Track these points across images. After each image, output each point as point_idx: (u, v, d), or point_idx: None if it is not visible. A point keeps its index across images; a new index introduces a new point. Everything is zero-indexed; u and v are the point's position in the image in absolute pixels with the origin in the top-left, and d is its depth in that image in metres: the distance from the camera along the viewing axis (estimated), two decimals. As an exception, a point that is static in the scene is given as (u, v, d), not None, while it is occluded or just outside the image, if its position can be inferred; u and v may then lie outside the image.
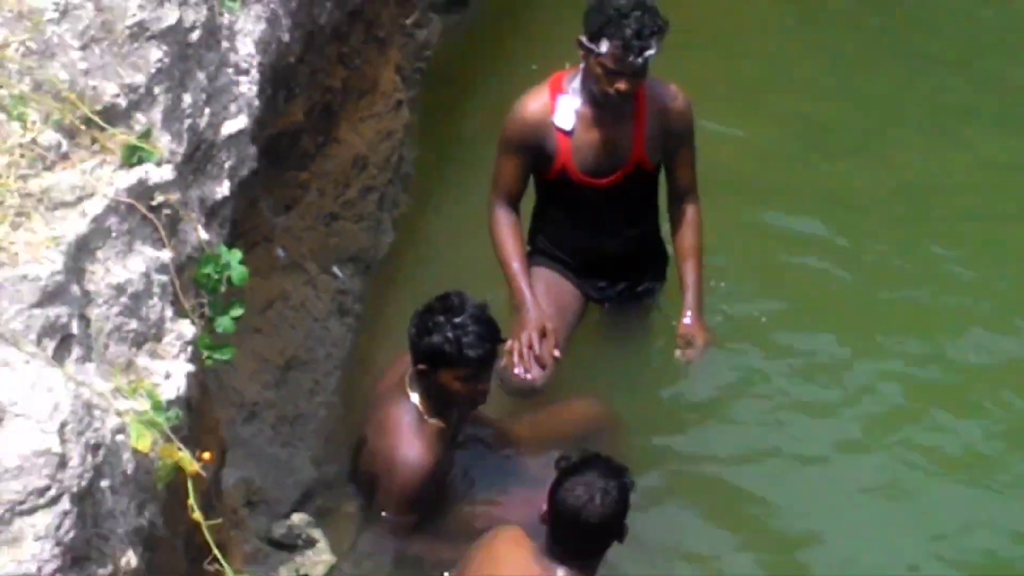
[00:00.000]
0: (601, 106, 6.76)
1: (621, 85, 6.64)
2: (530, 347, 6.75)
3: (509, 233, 6.93)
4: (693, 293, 7.09)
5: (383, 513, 6.37)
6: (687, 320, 7.06)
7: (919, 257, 8.06)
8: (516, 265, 6.91)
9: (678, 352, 7.07)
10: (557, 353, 6.77)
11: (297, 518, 6.28)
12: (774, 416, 7.24)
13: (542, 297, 6.95)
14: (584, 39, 6.64)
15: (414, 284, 7.28)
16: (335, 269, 7.22)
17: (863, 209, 8.33)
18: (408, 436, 6.30)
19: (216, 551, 4.62)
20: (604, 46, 6.58)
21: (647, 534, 6.51)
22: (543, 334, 6.76)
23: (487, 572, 5.97)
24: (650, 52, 6.58)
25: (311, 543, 6.21)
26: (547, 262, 7.10)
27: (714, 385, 7.29)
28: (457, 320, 6.20)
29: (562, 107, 6.81)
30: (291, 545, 6.18)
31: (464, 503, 6.54)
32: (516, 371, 6.83)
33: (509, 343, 6.74)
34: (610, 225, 7.05)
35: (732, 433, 7.18)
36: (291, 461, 6.56)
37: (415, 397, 6.34)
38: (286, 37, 6.12)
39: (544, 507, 5.87)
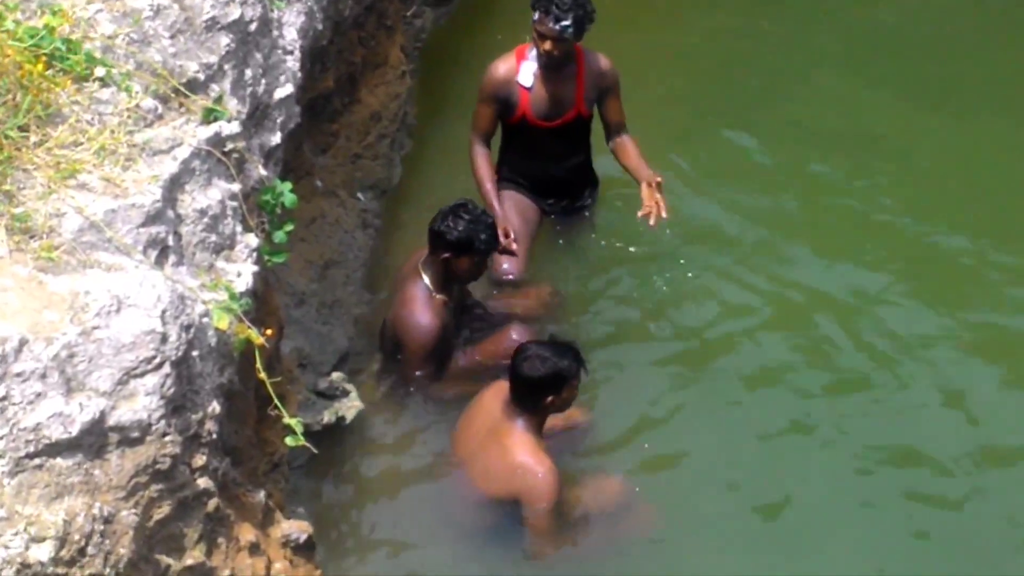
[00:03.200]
0: (549, 68, 6.77)
1: (547, 46, 6.67)
2: (506, 236, 6.72)
3: (483, 163, 6.94)
4: (642, 167, 6.89)
5: (410, 369, 6.37)
6: (647, 178, 6.82)
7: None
8: (488, 185, 6.92)
9: (649, 217, 6.75)
10: (514, 246, 6.74)
11: (335, 375, 6.27)
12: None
13: (509, 210, 6.95)
14: (534, 20, 6.67)
15: (417, 204, 7.26)
16: (359, 194, 7.18)
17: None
18: (421, 306, 6.31)
19: (276, 400, 4.64)
20: (536, 16, 6.63)
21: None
22: (506, 234, 6.75)
23: (472, 410, 6.01)
24: (565, 22, 6.58)
25: (346, 393, 6.20)
26: (511, 186, 7.08)
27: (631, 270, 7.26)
28: (479, 221, 6.26)
29: (524, 69, 6.82)
30: (331, 395, 6.18)
31: (462, 352, 6.55)
32: (498, 266, 6.85)
33: None
34: (556, 157, 7.04)
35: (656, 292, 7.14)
36: (330, 334, 6.55)
37: (426, 279, 6.34)
38: (320, 26, 6.07)
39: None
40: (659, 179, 6.81)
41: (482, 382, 6.18)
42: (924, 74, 8.49)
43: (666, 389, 6.63)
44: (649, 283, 7.13)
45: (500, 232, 6.66)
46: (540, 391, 5.80)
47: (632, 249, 7.18)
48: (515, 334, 6.42)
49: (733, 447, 6.40)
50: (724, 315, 7.00)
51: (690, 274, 7.15)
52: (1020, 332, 7.02)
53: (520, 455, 5.75)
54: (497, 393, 5.93)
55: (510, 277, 6.88)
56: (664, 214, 6.74)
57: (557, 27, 6.61)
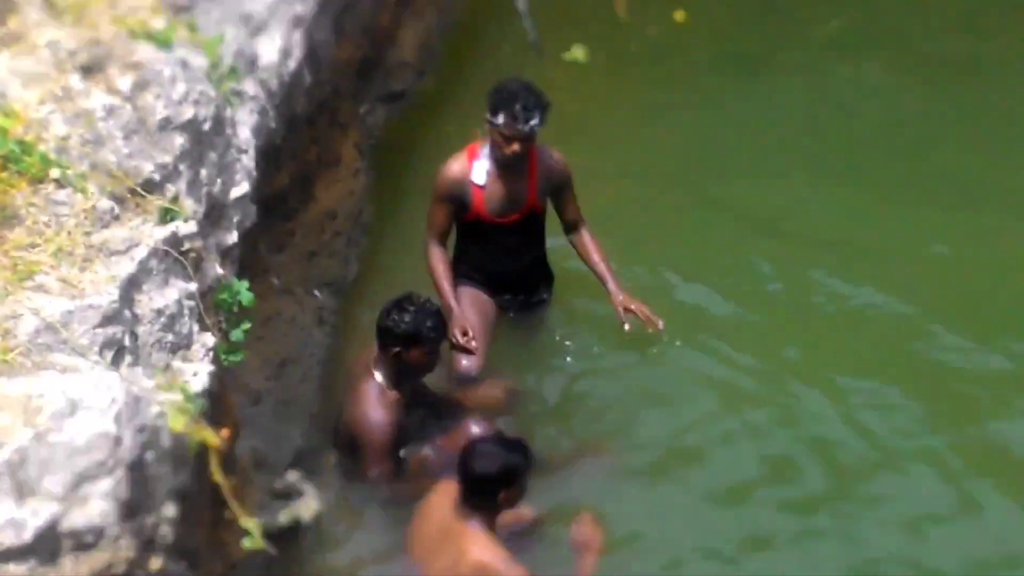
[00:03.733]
0: (503, 166, 6.78)
1: (515, 147, 6.65)
2: (464, 335, 6.73)
3: (439, 263, 6.92)
4: (612, 279, 6.99)
5: (367, 468, 6.30)
6: (620, 297, 6.93)
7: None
8: (446, 286, 6.90)
9: (625, 325, 6.89)
10: (473, 345, 6.75)
11: (291, 475, 6.23)
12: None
13: (467, 307, 6.93)
14: (488, 115, 6.66)
15: (373, 300, 7.20)
16: (315, 292, 7.17)
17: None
18: (374, 404, 6.26)
19: (232, 502, 4.59)
20: (500, 118, 6.60)
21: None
22: (464, 332, 6.76)
23: (423, 512, 5.94)
24: (534, 122, 6.61)
25: (302, 493, 6.16)
26: (467, 282, 7.06)
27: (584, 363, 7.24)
28: (423, 310, 6.22)
29: (476, 168, 6.82)
30: (288, 496, 6.13)
31: (419, 451, 6.51)
32: (458, 364, 6.82)
33: (449, 334, 6.68)
34: (512, 252, 7.04)
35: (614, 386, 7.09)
36: (287, 433, 6.50)
37: (379, 376, 6.31)
38: (273, 124, 6.09)
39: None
40: (632, 306, 6.90)
41: (442, 478, 6.14)
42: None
43: (629, 492, 6.60)
44: (608, 378, 7.13)
45: (458, 331, 6.66)
46: (493, 488, 5.75)
47: (594, 348, 7.19)
48: (474, 427, 6.39)
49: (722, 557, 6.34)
50: (691, 415, 6.96)
51: (654, 370, 7.17)
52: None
53: (481, 555, 5.69)
54: (445, 494, 5.89)
55: (471, 374, 6.86)
56: (660, 325, 6.89)
57: (527, 128, 6.60)
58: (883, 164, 8.48)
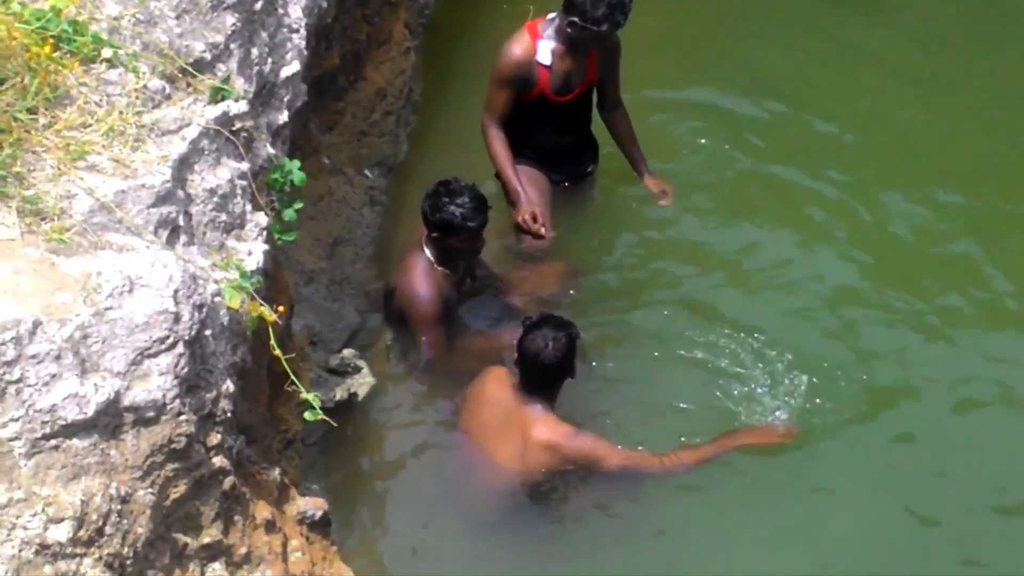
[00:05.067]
0: (573, 47, 6.73)
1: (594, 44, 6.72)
2: (533, 220, 6.77)
3: (501, 146, 6.89)
4: (644, 163, 7.21)
5: (417, 336, 6.38)
6: (651, 181, 7.20)
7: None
8: (510, 171, 6.88)
9: (662, 201, 7.22)
10: (544, 231, 6.80)
11: (347, 352, 6.28)
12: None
13: (529, 189, 6.94)
14: (578, 20, 6.57)
15: (423, 180, 7.20)
16: (366, 171, 7.18)
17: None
18: (421, 277, 6.31)
19: (292, 376, 4.64)
20: (605, 26, 6.57)
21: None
22: (534, 218, 6.79)
23: (479, 402, 6.01)
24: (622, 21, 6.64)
25: (357, 369, 6.21)
26: (523, 161, 7.05)
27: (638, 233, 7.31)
28: (458, 200, 6.20)
29: (541, 48, 6.76)
30: (343, 372, 6.18)
31: (471, 330, 6.56)
32: (529, 242, 6.88)
33: (519, 219, 6.80)
34: (566, 127, 7.04)
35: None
36: (340, 311, 6.55)
37: (428, 251, 6.34)
38: (324, 3, 6.05)
39: (516, 354, 5.90)
40: (666, 187, 7.17)
41: (489, 357, 6.22)
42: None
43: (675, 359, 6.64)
44: (652, 244, 7.20)
45: (528, 215, 6.73)
46: (560, 375, 5.87)
47: (636, 216, 7.27)
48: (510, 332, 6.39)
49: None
50: (730, 273, 7.07)
51: (692, 238, 7.23)
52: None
53: (549, 434, 5.84)
54: (497, 380, 5.96)
55: (538, 254, 6.91)
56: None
57: (614, 28, 6.62)
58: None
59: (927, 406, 6.52)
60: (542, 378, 5.86)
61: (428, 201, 6.22)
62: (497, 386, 5.96)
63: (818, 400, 6.35)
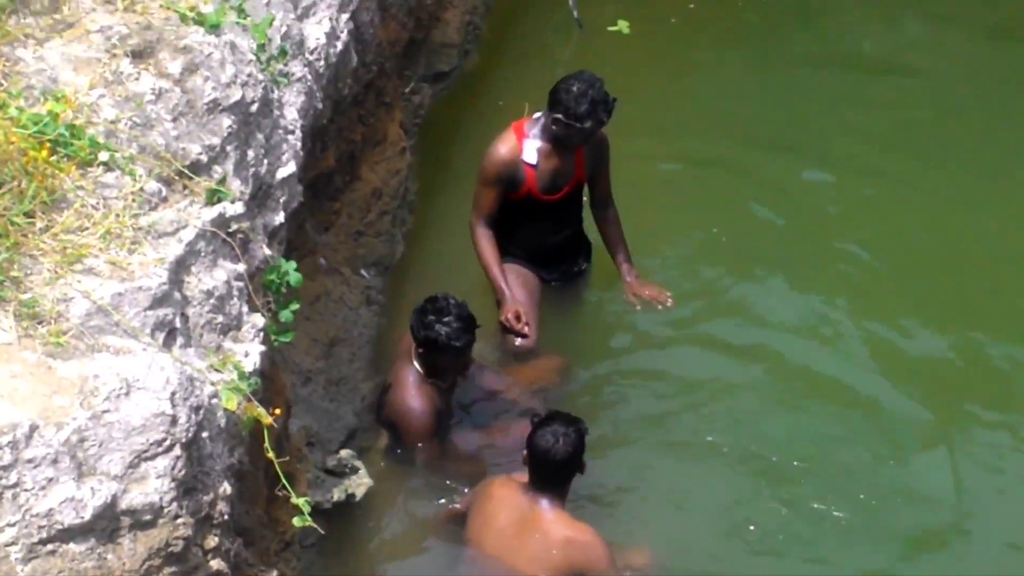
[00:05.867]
0: (559, 145, 6.78)
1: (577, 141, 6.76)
2: (516, 319, 6.78)
3: (489, 246, 6.92)
4: (628, 264, 7.17)
5: (410, 450, 6.37)
6: (631, 280, 7.15)
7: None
8: (496, 269, 6.91)
9: (636, 305, 7.16)
10: (527, 330, 6.80)
11: (344, 453, 6.25)
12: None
13: (515, 288, 6.95)
14: (560, 115, 6.65)
15: (420, 279, 7.27)
16: (362, 271, 7.19)
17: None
18: (411, 392, 6.30)
19: (284, 480, 4.61)
20: (588, 123, 6.63)
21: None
22: (518, 317, 6.79)
23: (488, 509, 5.97)
24: (605, 120, 6.71)
25: (355, 470, 6.18)
26: (512, 260, 7.07)
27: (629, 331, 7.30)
28: (445, 318, 6.19)
29: (527, 147, 6.82)
30: (340, 473, 6.15)
31: (467, 432, 6.54)
32: (511, 343, 6.87)
33: (502, 318, 6.82)
34: (555, 226, 7.07)
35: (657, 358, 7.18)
36: (337, 411, 6.53)
37: (417, 364, 6.33)
38: (319, 105, 6.10)
39: (524, 452, 5.88)
40: (645, 293, 7.14)
41: (485, 459, 6.19)
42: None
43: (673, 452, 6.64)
44: (647, 340, 7.16)
45: (511, 315, 6.74)
46: (571, 470, 5.87)
47: (630, 312, 7.23)
48: (517, 423, 6.39)
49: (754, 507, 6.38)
50: (722, 380, 7.02)
51: (687, 332, 7.20)
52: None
53: (566, 531, 5.82)
54: (504, 487, 5.94)
55: (526, 346, 6.89)
56: (669, 303, 7.10)
57: (598, 126, 6.69)
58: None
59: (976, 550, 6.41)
60: (554, 474, 5.85)
61: (415, 317, 6.24)
62: (505, 490, 5.94)
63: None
